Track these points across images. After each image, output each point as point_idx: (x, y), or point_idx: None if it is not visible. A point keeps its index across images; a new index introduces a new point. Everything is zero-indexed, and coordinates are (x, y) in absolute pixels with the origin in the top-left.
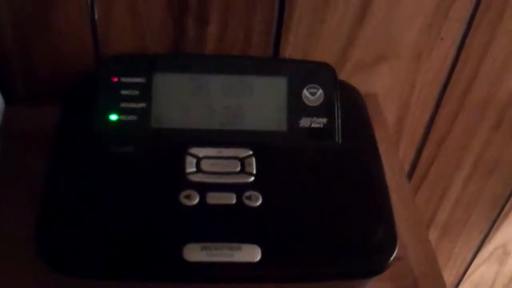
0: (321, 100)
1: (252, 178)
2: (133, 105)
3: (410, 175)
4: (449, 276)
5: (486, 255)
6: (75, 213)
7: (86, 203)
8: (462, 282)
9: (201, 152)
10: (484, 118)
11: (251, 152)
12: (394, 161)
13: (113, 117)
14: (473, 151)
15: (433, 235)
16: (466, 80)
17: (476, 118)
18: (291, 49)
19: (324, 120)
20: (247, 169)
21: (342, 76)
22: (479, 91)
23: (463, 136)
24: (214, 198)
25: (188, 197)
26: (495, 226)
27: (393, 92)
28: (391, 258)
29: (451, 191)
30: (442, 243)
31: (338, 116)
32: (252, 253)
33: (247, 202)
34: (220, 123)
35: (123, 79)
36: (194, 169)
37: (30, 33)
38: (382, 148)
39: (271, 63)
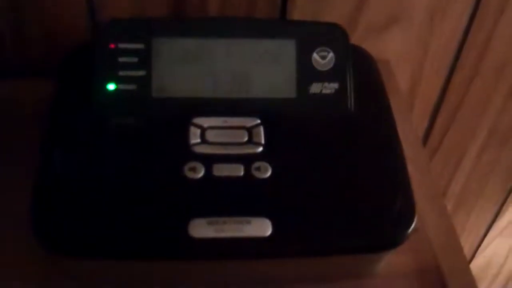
0: (332, 64)
1: (261, 149)
2: (132, 73)
3: (423, 144)
4: None
5: (500, 228)
6: (72, 189)
7: (84, 178)
8: (475, 257)
9: (205, 122)
10: (500, 83)
11: (259, 121)
12: (408, 129)
13: (111, 86)
14: (488, 119)
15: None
16: (482, 43)
17: (491, 84)
18: (298, 13)
19: (336, 85)
20: (255, 139)
21: (352, 41)
22: (495, 54)
23: (478, 103)
24: (220, 170)
25: (193, 169)
26: (510, 197)
27: (405, 58)
28: (410, 229)
29: (465, 161)
30: (456, 216)
31: (350, 81)
32: (263, 227)
33: (256, 173)
34: (225, 91)
35: (121, 45)
36: (198, 140)
37: (21, 2)
38: (395, 115)
39: (278, 25)
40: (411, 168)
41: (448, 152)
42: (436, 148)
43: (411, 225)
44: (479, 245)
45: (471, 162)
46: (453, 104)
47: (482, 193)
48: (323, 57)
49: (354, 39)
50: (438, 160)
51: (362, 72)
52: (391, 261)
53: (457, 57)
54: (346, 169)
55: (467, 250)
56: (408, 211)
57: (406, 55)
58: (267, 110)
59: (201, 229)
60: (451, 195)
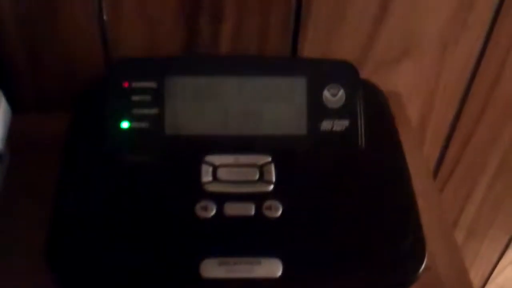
0: (343, 101)
1: (272, 187)
2: (145, 111)
3: (434, 175)
4: (474, 279)
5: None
6: (86, 227)
7: (98, 216)
8: (487, 284)
9: (217, 160)
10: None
11: (270, 159)
12: (419, 163)
13: (125, 124)
14: (499, 148)
15: (458, 236)
16: (494, 73)
17: (502, 114)
18: (310, 47)
19: (346, 122)
20: (266, 177)
21: (364, 74)
22: (507, 85)
23: (490, 134)
24: (232, 209)
25: (204, 208)
26: None
27: (417, 89)
28: (421, 270)
29: (477, 190)
30: (468, 244)
31: (361, 118)
32: (273, 268)
33: (266, 212)
34: (236, 128)
35: (134, 84)
36: (210, 178)
37: (37, 37)
38: (406, 148)
39: (289, 63)
40: (421, 202)
41: (459, 182)
42: (447, 178)
43: (421, 264)
44: (491, 272)
45: (482, 192)
46: (464, 135)
47: (494, 222)
48: (334, 94)
49: (365, 72)
50: (450, 189)
51: (372, 107)
52: None
53: (469, 87)
54: (356, 208)
55: (479, 277)
56: (418, 251)
57: (418, 86)
58: (278, 147)
59: (213, 269)
60: (463, 224)
